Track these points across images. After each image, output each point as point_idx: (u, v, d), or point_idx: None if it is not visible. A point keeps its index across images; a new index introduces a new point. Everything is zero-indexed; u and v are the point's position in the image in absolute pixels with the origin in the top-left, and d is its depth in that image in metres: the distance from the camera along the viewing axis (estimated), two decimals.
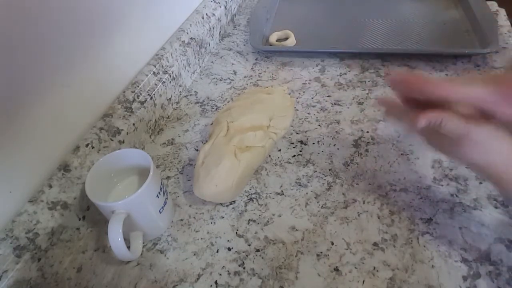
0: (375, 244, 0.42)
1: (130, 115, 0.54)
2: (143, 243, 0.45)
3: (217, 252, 0.44)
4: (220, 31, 0.84)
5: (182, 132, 0.61)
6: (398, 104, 0.39)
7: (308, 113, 0.61)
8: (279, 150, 0.55)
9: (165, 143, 0.59)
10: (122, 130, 0.52)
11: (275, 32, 0.80)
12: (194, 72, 0.73)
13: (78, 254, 0.44)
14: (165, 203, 0.45)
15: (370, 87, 0.65)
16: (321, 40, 0.79)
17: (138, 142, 0.56)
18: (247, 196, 0.49)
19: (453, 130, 0.34)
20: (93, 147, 0.48)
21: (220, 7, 0.83)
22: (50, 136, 0.45)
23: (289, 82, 0.69)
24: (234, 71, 0.74)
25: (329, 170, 0.52)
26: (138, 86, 0.58)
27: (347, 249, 0.42)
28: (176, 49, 0.67)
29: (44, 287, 0.40)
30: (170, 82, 0.64)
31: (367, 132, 0.57)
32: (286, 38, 0.80)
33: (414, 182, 0.49)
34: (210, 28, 0.78)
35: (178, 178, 0.53)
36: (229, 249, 0.44)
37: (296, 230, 0.45)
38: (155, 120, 0.60)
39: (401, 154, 0.52)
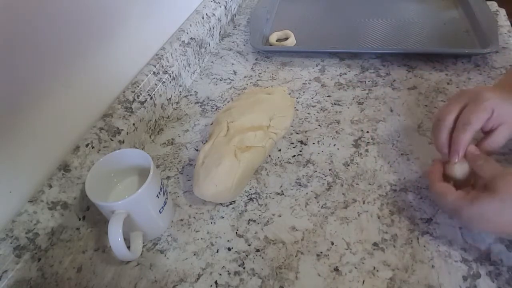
0: (375, 244, 0.42)
1: (130, 115, 0.54)
2: (143, 243, 0.45)
3: (217, 252, 0.44)
4: (220, 31, 0.84)
5: (182, 132, 0.61)
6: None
7: (308, 113, 0.61)
8: (279, 150, 0.55)
9: (165, 143, 0.59)
10: (122, 130, 0.52)
11: (275, 32, 0.80)
12: (194, 72, 0.73)
13: (78, 254, 0.44)
14: (165, 203, 0.45)
15: (370, 87, 0.65)
16: (321, 40, 0.79)
17: (138, 142, 0.56)
18: (247, 196, 0.49)
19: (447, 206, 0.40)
20: (93, 147, 0.48)
21: (220, 7, 0.83)
22: (50, 136, 0.45)
23: (289, 82, 0.69)
24: (234, 71, 0.74)
25: (329, 170, 0.52)
26: (138, 86, 0.58)
27: (347, 249, 0.42)
28: (176, 49, 0.67)
29: (44, 287, 0.40)
30: (170, 82, 0.64)
31: (367, 132, 0.57)
32: (286, 38, 0.80)
33: (414, 182, 0.49)
34: (210, 28, 0.78)
35: (178, 178, 0.53)
36: (229, 249, 0.44)
37: (296, 230, 0.45)
38: (155, 120, 0.60)
39: (401, 154, 0.52)
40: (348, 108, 0.61)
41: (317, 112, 0.61)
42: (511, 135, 0.42)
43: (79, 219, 0.45)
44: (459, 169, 0.41)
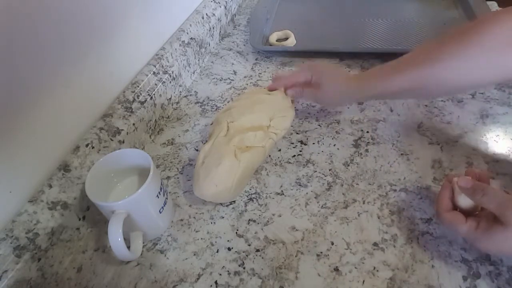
0: (375, 244, 0.42)
1: (130, 115, 0.54)
2: (143, 243, 0.45)
3: (217, 252, 0.44)
4: (220, 31, 0.84)
5: (182, 132, 0.61)
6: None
7: (308, 113, 0.61)
8: (279, 150, 0.55)
9: (165, 143, 0.59)
10: (122, 130, 0.52)
11: (275, 32, 0.80)
12: (194, 72, 0.73)
13: (78, 254, 0.44)
14: (165, 203, 0.45)
15: None
16: (321, 40, 0.79)
17: (138, 142, 0.56)
18: (247, 196, 0.49)
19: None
20: (93, 147, 0.48)
21: (220, 7, 0.83)
22: (50, 136, 0.45)
23: None
24: (234, 71, 0.74)
25: (329, 170, 0.52)
26: (138, 86, 0.58)
27: (347, 249, 0.42)
28: (176, 49, 0.67)
29: (44, 287, 0.40)
30: (170, 82, 0.64)
31: (367, 132, 0.57)
32: (286, 38, 0.80)
33: (414, 182, 0.49)
34: (210, 28, 0.78)
35: (178, 178, 0.53)
36: (229, 249, 0.44)
37: (296, 230, 0.45)
38: (155, 120, 0.60)
39: (401, 154, 0.52)
40: (348, 108, 0.61)
41: (317, 112, 0.61)
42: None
43: (79, 219, 0.45)
44: (463, 201, 0.39)
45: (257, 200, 0.49)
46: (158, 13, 0.65)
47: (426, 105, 0.60)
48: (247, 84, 0.70)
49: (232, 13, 0.90)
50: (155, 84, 0.60)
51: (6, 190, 0.39)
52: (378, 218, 0.45)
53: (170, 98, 0.65)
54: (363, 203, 0.47)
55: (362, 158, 0.53)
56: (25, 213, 0.40)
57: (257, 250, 0.43)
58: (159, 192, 0.43)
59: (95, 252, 0.45)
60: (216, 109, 0.65)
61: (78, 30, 0.47)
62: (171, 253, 0.44)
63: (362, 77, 0.53)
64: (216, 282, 0.41)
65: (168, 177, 0.53)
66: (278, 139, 0.56)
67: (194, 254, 0.44)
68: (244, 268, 0.42)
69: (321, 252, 0.42)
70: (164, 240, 0.45)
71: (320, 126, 0.59)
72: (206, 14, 0.78)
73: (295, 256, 0.42)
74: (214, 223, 0.47)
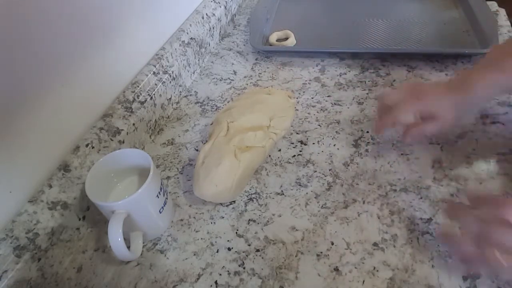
0: (375, 244, 0.42)
1: (130, 115, 0.54)
2: (143, 243, 0.45)
3: (217, 252, 0.44)
4: (220, 31, 0.84)
5: (182, 132, 0.61)
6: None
7: (308, 113, 0.61)
8: (279, 150, 0.55)
9: (165, 143, 0.59)
10: (122, 130, 0.52)
11: (275, 32, 0.80)
12: (194, 72, 0.73)
13: (78, 254, 0.44)
14: (165, 203, 0.45)
15: (370, 87, 0.65)
16: (321, 40, 0.79)
17: (138, 142, 0.56)
18: (247, 196, 0.49)
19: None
20: (93, 147, 0.48)
21: (220, 7, 0.83)
22: (50, 136, 0.45)
23: (289, 82, 0.69)
24: (234, 71, 0.74)
25: (329, 170, 0.52)
26: (138, 86, 0.58)
27: (347, 249, 0.42)
28: (176, 49, 0.67)
29: (44, 287, 0.40)
30: (170, 82, 0.64)
31: (367, 132, 0.57)
32: (286, 38, 0.80)
33: (414, 182, 0.49)
34: (210, 28, 0.78)
35: (178, 178, 0.53)
36: (229, 249, 0.44)
37: (296, 230, 0.45)
38: (155, 120, 0.60)
39: (401, 154, 0.52)
40: (348, 108, 0.61)
41: (317, 112, 0.61)
42: (439, 130, 0.47)
43: (79, 219, 0.45)
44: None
45: (257, 200, 0.49)
46: (158, 13, 0.65)
47: None
48: (247, 84, 0.70)
49: (232, 13, 0.90)
50: (155, 84, 0.60)
51: (6, 190, 0.39)
52: (378, 218, 0.45)
53: (170, 98, 0.65)
54: (363, 203, 0.47)
55: (362, 158, 0.53)
56: (25, 213, 0.40)
57: (257, 250, 0.43)
58: (159, 192, 0.43)
59: (95, 252, 0.45)
60: (216, 109, 0.65)
61: (77, 30, 0.47)
62: (171, 253, 0.44)
63: (467, 76, 0.47)
64: (216, 282, 0.41)
65: (168, 177, 0.53)
66: (278, 139, 0.56)
67: (194, 254, 0.44)
68: (244, 268, 0.42)
69: (321, 252, 0.42)
70: (164, 240, 0.45)
71: (320, 126, 0.59)
72: (206, 14, 0.78)
73: (295, 256, 0.42)
74: (214, 223, 0.47)
